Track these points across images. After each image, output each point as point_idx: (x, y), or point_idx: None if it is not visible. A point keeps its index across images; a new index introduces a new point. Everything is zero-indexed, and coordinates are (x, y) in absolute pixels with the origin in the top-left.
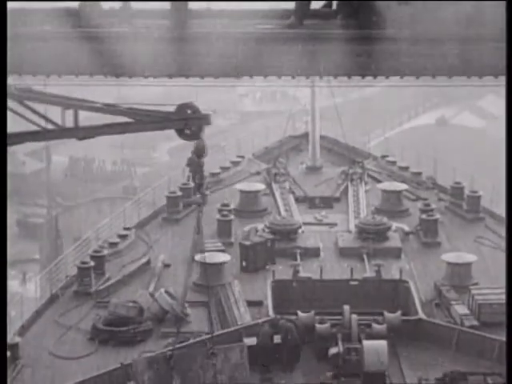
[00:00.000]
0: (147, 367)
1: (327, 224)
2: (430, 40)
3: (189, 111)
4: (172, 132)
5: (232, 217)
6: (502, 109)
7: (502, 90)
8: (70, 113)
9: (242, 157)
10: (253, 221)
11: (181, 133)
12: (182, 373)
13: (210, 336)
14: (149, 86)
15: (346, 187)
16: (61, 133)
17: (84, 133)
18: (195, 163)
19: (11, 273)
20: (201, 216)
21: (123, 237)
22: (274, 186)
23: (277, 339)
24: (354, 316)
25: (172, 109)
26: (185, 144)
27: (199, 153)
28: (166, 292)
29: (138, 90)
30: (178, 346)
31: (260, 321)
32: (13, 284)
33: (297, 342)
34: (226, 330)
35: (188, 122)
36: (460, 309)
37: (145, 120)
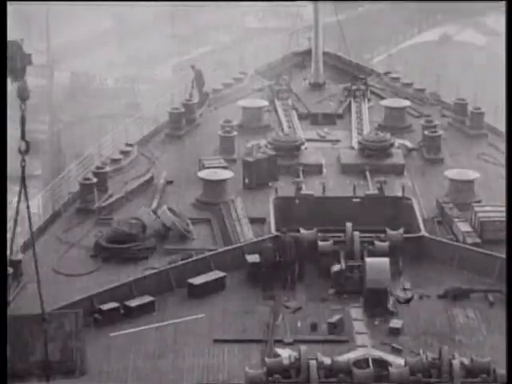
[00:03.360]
0: None
1: (330, 140)
2: None
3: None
4: (174, 49)
5: (235, 133)
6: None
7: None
8: None
9: (245, 73)
10: (255, 137)
11: (10, 72)
12: (9, 340)
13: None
14: (150, 6)
15: (349, 104)
16: None
17: None
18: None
19: (14, 189)
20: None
21: (126, 153)
22: (277, 102)
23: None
24: (357, 233)
25: None
26: (188, 61)
27: (20, 95)
28: (169, 209)
29: (139, 10)
30: (180, 262)
31: (262, 238)
32: (15, 200)
33: (297, 258)
34: (228, 247)
35: (11, 60)
36: (462, 226)
37: None
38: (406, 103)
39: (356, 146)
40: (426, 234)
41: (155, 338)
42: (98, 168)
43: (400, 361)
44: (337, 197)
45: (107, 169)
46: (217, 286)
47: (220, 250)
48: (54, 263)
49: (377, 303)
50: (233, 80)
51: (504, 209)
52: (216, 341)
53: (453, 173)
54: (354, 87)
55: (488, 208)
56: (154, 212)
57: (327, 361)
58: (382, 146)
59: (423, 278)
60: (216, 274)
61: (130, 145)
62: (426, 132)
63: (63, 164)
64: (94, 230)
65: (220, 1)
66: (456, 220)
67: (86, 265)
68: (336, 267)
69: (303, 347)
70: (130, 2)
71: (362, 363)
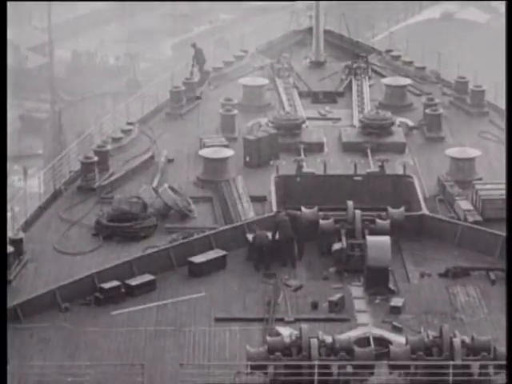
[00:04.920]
0: None
1: (331, 119)
2: None
3: None
4: (176, 27)
5: (235, 112)
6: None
7: None
8: None
9: (246, 51)
10: (256, 116)
11: None
12: None
13: None
14: None
15: (350, 82)
16: None
17: None
18: None
19: (14, 168)
20: None
21: (127, 132)
22: (278, 80)
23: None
24: (358, 211)
25: None
26: (188, 39)
27: None
28: (170, 187)
29: None
30: (181, 241)
31: (263, 216)
32: (16, 179)
33: (296, 236)
34: (229, 226)
35: None
36: (463, 204)
37: None
38: (407, 81)
39: (357, 124)
40: (427, 213)
41: (156, 316)
42: (99, 147)
43: (401, 339)
44: (338, 175)
45: (108, 147)
46: (218, 264)
47: (221, 228)
48: (55, 242)
49: (378, 282)
50: (233, 58)
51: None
52: (217, 319)
53: (454, 151)
54: (354, 65)
55: (489, 186)
56: (155, 191)
57: (328, 339)
58: (382, 124)
59: (424, 256)
60: (217, 253)
61: (131, 123)
62: (427, 110)
63: (64, 142)
64: (95, 208)
65: (224, 0)
66: (457, 198)
67: (87, 243)
68: (337, 246)
69: (304, 326)
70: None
71: (362, 341)
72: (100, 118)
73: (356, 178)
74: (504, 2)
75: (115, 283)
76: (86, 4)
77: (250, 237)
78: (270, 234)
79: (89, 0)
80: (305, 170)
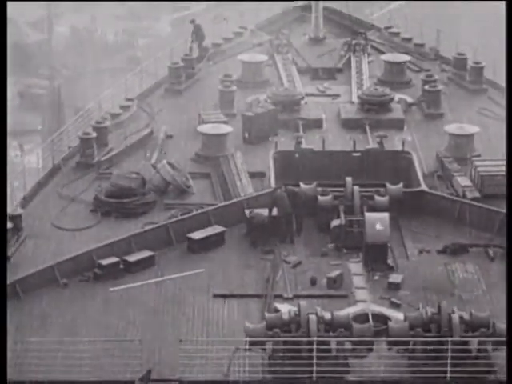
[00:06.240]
0: None
1: (330, 95)
2: None
3: None
4: (176, 3)
5: (234, 88)
6: None
7: None
8: None
9: (245, 28)
10: (255, 92)
11: None
12: None
13: None
14: None
15: (349, 58)
16: None
17: None
18: None
19: (13, 144)
20: None
21: (125, 108)
22: (277, 57)
23: (274, 212)
24: (357, 188)
25: None
26: (187, 16)
27: None
28: (169, 163)
29: None
30: (180, 217)
31: (262, 193)
32: (14, 155)
33: (295, 212)
34: (228, 202)
35: None
36: (462, 180)
37: None
38: (406, 58)
39: (356, 100)
40: (426, 189)
41: (155, 292)
42: (97, 122)
43: (399, 315)
44: (337, 151)
45: (107, 123)
46: (216, 240)
47: (219, 204)
48: (53, 218)
49: (376, 258)
50: (233, 34)
51: (504, 163)
52: (216, 295)
53: (452, 127)
54: (353, 42)
55: (488, 162)
56: (154, 166)
57: (327, 315)
58: (381, 100)
59: (423, 233)
60: (215, 229)
61: (130, 99)
62: (426, 87)
63: (63, 118)
64: (93, 184)
65: (220, 0)
66: (456, 174)
67: (86, 219)
68: (336, 222)
69: (303, 302)
70: None
71: (361, 318)
72: (99, 93)
73: (355, 155)
74: (504, 1)
75: (114, 259)
76: None
77: (248, 213)
78: (266, 211)
79: (89, 0)
80: (303, 146)
